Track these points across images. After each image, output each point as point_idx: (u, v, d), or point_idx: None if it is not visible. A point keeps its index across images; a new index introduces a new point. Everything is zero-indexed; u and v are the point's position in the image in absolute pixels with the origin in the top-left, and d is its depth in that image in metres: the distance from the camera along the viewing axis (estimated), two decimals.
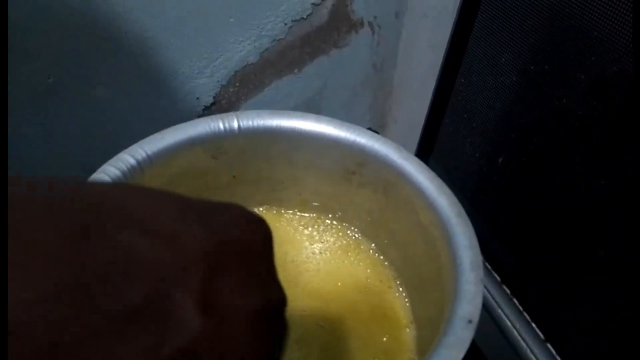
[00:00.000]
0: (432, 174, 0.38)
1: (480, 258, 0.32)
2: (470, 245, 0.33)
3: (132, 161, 0.36)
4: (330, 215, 0.47)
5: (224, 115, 0.41)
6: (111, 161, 0.36)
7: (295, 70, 0.65)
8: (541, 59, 0.37)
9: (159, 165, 0.38)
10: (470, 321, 0.29)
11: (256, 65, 0.61)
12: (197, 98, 0.58)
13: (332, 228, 0.47)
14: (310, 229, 0.47)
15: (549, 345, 0.41)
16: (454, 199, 0.36)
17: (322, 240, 0.46)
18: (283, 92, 0.65)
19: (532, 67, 0.38)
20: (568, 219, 0.39)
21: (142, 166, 0.37)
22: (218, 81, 0.59)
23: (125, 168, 0.36)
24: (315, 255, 0.45)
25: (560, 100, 0.37)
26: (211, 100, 0.60)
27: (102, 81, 0.51)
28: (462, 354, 0.27)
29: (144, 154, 0.37)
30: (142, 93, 0.53)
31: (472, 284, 0.31)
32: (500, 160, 0.43)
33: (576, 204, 0.38)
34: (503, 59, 0.40)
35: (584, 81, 0.34)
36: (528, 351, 0.41)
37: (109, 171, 0.35)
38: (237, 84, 0.61)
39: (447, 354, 0.27)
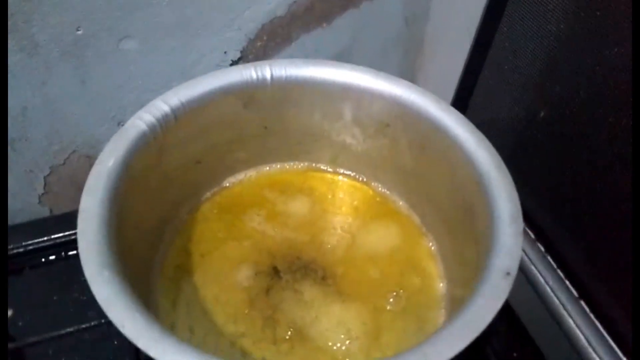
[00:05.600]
0: (472, 126, 0.37)
1: (520, 211, 0.31)
2: (510, 197, 0.32)
3: (166, 108, 0.36)
4: (361, 171, 0.47)
5: (256, 63, 0.40)
6: (146, 107, 0.35)
7: (324, 24, 0.63)
8: (593, 4, 0.35)
9: (191, 113, 0.37)
10: (508, 273, 0.28)
11: (284, 18, 0.59)
12: (225, 52, 0.57)
13: (362, 184, 0.47)
14: (340, 184, 0.47)
15: (582, 303, 0.41)
16: (494, 152, 0.35)
17: (352, 197, 0.46)
18: (311, 47, 0.63)
19: (582, 14, 0.36)
20: (610, 176, 0.38)
21: (175, 113, 0.36)
22: (245, 35, 0.57)
23: (159, 114, 0.36)
24: (345, 211, 0.45)
25: (611, 50, 0.35)
26: (238, 54, 0.59)
27: (130, 34, 0.50)
28: (499, 305, 0.27)
29: (177, 101, 0.37)
30: (170, 47, 0.53)
31: (511, 236, 0.30)
32: (541, 114, 0.42)
33: (620, 160, 0.36)
34: (551, 5, 0.38)
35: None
36: (561, 308, 0.41)
37: (144, 117, 0.35)
38: (265, 38, 0.59)
39: (483, 303, 0.27)
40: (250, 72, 0.40)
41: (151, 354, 0.23)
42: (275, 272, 0.39)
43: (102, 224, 0.29)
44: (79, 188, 0.30)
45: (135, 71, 0.53)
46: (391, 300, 0.39)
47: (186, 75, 0.56)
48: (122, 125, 0.34)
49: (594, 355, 0.38)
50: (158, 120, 0.35)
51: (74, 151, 0.56)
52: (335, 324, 0.37)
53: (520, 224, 0.31)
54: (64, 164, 0.56)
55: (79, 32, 0.47)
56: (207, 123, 0.39)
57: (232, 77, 0.39)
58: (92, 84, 0.51)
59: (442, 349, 0.24)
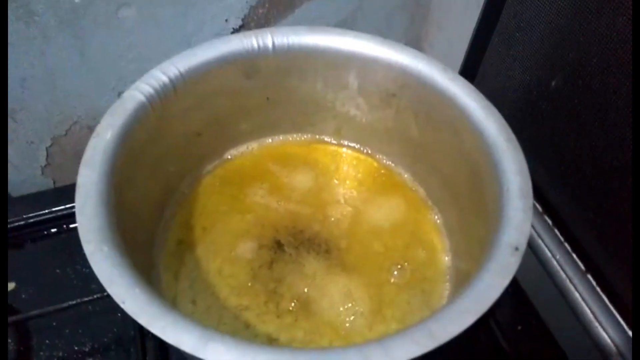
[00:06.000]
0: (480, 95, 0.35)
1: (530, 185, 0.30)
2: (520, 170, 0.31)
3: (165, 78, 0.35)
4: (365, 143, 0.46)
5: (257, 31, 0.39)
6: (143, 78, 0.34)
7: None
8: None
9: (191, 83, 0.36)
10: (517, 248, 0.27)
11: None
12: (226, 20, 0.56)
13: (366, 156, 0.46)
14: (344, 156, 0.46)
15: (589, 277, 0.40)
16: (503, 123, 0.34)
17: (356, 170, 0.45)
18: (314, 14, 0.62)
19: None
20: (623, 149, 0.36)
21: (174, 84, 0.35)
22: (247, 2, 0.55)
23: (157, 85, 0.34)
24: (349, 184, 0.44)
25: (627, 15, 0.33)
26: (240, 22, 0.57)
27: (127, 1, 0.49)
28: (507, 281, 0.26)
29: (176, 71, 0.35)
30: (169, 15, 0.51)
31: (520, 210, 0.29)
32: (553, 83, 0.40)
33: (635, 131, 0.35)
34: None
35: None
36: (567, 282, 0.40)
37: (141, 88, 0.34)
38: (267, 5, 0.58)
39: (491, 280, 0.26)
40: (251, 41, 0.38)
41: (153, 330, 0.23)
42: (279, 245, 0.39)
43: (101, 198, 0.28)
44: (81, 159, 0.30)
45: (134, 41, 0.52)
46: (395, 273, 0.38)
47: (187, 44, 0.54)
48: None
49: (600, 329, 0.38)
50: (156, 91, 0.34)
51: (75, 122, 0.55)
52: (339, 297, 0.36)
53: (530, 198, 0.30)
54: (65, 135, 0.56)
55: (76, 0, 0.46)
56: (207, 94, 0.38)
57: (232, 46, 0.38)
58: (91, 53, 0.50)
59: (448, 325, 0.24)
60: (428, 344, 0.23)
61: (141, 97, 0.33)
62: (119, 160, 0.31)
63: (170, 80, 0.35)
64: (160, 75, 0.35)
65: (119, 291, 0.24)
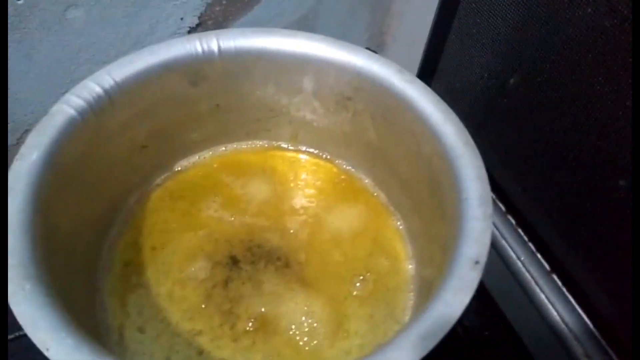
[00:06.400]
0: (436, 98, 0.34)
1: (489, 192, 0.29)
2: (479, 176, 0.30)
3: (98, 89, 0.32)
4: (324, 148, 0.44)
5: (201, 34, 0.36)
6: (74, 90, 0.31)
7: None
8: None
9: (129, 94, 0.34)
10: (477, 262, 0.26)
11: None
12: (181, 19, 0.53)
13: (325, 162, 0.44)
14: (302, 162, 0.44)
15: (554, 277, 0.40)
16: (461, 127, 0.32)
17: (315, 176, 0.43)
18: (274, 10, 0.59)
19: None
20: (582, 146, 0.36)
21: (109, 95, 0.33)
22: None
23: (90, 98, 0.32)
24: (308, 192, 0.42)
25: (584, 10, 0.32)
26: (196, 20, 0.55)
27: (75, 2, 0.46)
28: (468, 298, 0.25)
29: (111, 81, 0.33)
30: (120, 14, 0.49)
31: (479, 220, 0.28)
32: (511, 80, 0.39)
33: (593, 129, 0.34)
34: None
35: None
36: (532, 283, 0.40)
37: (72, 102, 0.31)
38: (224, 2, 0.55)
39: (452, 298, 0.25)
40: (195, 45, 0.36)
41: None
42: (234, 262, 0.37)
43: (25, 229, 0.25)
44: None
45: (85, 43, 0.49)
46: (358, 284, 0.37)
47: (141, 45, 0.52)
48: None
49: (567, 330, 0.38)
50: (89, 104, 0.31)
51: (26, 130, 0.52)
52: (299, 315, 0.34)
53: (490, 206, 0.28)
54: (16, 144, 0.53)
55: (20, 2, 0.43)
56: (149, 103, 0.36)
57: (174, 52, 0.35)
58: (39, 57, 0.47)
59: (408, 352, 0.22)
60: None
61: (71, 112, 0.30)
62: (47, 183, 0.28)
63: (105, 91, 0.32)
64: (93, 86, 0.32)
65: (42, 336, 0.22)
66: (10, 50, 0.45)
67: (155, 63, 0.34)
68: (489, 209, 0.28)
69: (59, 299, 0.24)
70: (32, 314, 0.22)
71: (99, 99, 0.32)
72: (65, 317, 0.23)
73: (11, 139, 0.52)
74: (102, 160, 0.34)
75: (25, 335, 0.35)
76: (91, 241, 0.35)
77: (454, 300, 0.24)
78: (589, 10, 0.32)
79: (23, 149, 0.28)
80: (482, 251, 0.26)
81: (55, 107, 0.30)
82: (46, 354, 0.21)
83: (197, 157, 0.42)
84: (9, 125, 0.51)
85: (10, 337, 0.33)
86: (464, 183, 0.30)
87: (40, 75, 0.48)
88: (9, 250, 0.24)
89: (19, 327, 0.35)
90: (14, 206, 0.26)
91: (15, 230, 0.25)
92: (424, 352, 0.23)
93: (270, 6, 0.58)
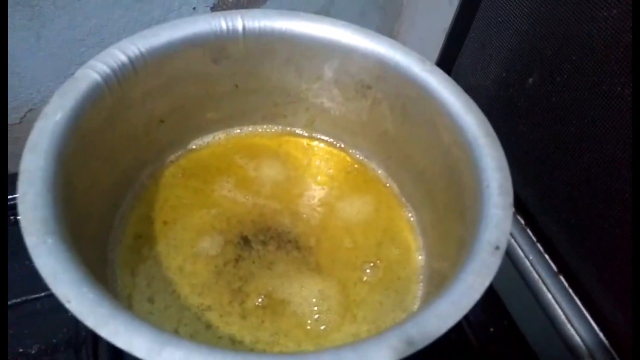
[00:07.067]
0: (458, 88, 0.34)
1: (510, 181, 0.29)
2: (500, 167, 0.30)
3: (123, 57, 0.32)
4: (339, 137, 0.44)
5: (226, 12, 0.36)
6: (99, 56, 0.31)
7: None
8: None
9: (153, 65, 0.34)
10: (497, 247, 0.26)
11: None
12: (194, 8, 0.54)
13: (339, 150, 0.44)
14: (316, 150, 0.44)
15: (561, 278, 0.40)
16: (483, 118, 0.32)
17: (328, 164, 0.43)
18: (287, 6, 0.60)
19: None
20: (598, 148, 0.36)
21: (134, 64, 0.32)
22: None
23: (115, 65, 0.32)
24: (321, 179, 0.42)
25: (607, 11, 0.33)
26: (208, 10, 0.55)
27: None
28: (487, 282, 0.25)
29: (136, 51, 0.33)
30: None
31: (500, 208, 0.28)
32: (530, 80, 0.39)
33: (610, 133, 0.35)
34: None
35: None
36: (540, 283, 0.40)
37: (97, 67, 0.31)
38: None
39: (472, 280, 0.25)
40: (220, 22, 0.36)
41: (101, 333, 0.20)
42: (245, 241, 0.37)
43: (47, 186, 0.25)
44: (26, 144, 0.27)
45: (96, 25, 0.49)
46: (368, 271, 0.37)
47: None
48: None
49: (572, 330, 0.38)
50: (114, 70, 0.31)
51: (30, 109, 0.52)
52: (308, 296, 0.34)
53: (511, 195, 0.28)
54: (20, 123, 0.53)
55: None
56: (171, 77, 0.36)
57: (199, 27, 0.35)
58: (49, 37, 0.48)
59: (427, 329, 0.22)
60: (406, 350, 0.21)
61: (96, 77, 0.30)
62: (69, 145, 0.28)
63: (130, 60, 0.32)
64: (119, 54, 0.32)
65: (64, 289, 0.21)
66: (20, 27, 0.45)
67: (180, 37, 0.34)
68: (510, 198, 0.28)
69: (78, 256, 0.24)
70: (54, 267, 0.22)
71: (123, 67, 0.32)
72: (86, 273, 0.22)
73: (14, 118, 0.52)
74: (121, 130, 0.34)
75: (50, 295, 0.35)
76: (104, 211, 0.35)
77: (474, 282, 0.24)
78: (614, 11, 0.32)
79: (47, 109, 0.28)
80: (502, 237, 0.26)
81: (80, 72, 0.30)
82: (67, 306, 0.21)
83: (211, 137, 0.42)
84: (12, 104, 0.50)
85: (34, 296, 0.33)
86: (485, 173, 0.30)
87: (48, 55, 0.48)
88: (29, 204, 0.24)
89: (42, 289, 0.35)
90: (36, 163, 0.26)
91: (37, 186, 0.25)
92: (442, 332, 0.23)
93: (282, 2, 0.59)
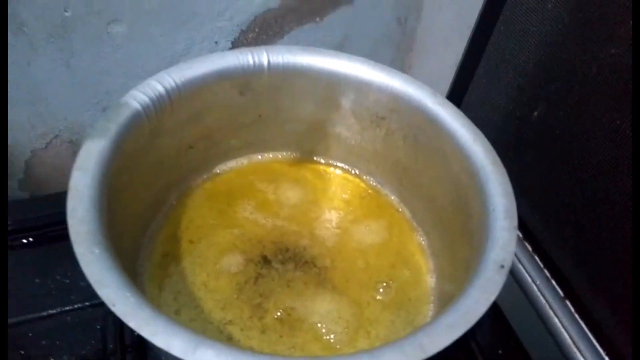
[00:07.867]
0: (467, 120, 0.37)
1: (515, 206, 0.32)
2: (505, 193, 0.32)
3: (161, 88, 0.35)
4: (354, 164, 0.47)
5: (252, 48, 0.39)
6: (139, 87, 0.35)
7: (317, 19, 0.63)
8: (590, 7, 0.35)
9: (186, 96, 0.37)
10: (502, 266, 0.28)
11: (277, 10, 0.58)
12: (216, 42, 0.56)
13: (354, 177, 0.47)
14: (332, 176, 0.47)
15: (567, 303, 0.41)
16: (489, 147, 0.35)
17: (344, 190, 0.46)
18: (303, 42, 0.63)
19: (579, 15, 0.37)
20: (601, 178, 0.38)
21: (170, 95, 0.36)
22: (237, 25, 0.56)
23: (153, 95, 0.35)
24: (336, 204, 0.45)
25: (608, 50, 0.35)
26: (229, 45, 0.58)
27: (118, 17, 0.49)
28: (493, 297, 0.27)
29: (172, 83, 0.36)
30: (159, 33, 0.52)
31: (506, 230, 0.30)
32: (535, 113, 0.42)
33: (612, 165, 0.37)
34: (549, 5, 0.38)
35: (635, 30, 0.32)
36: (547, 307, 0.41)
37: (137, 97, 0.34)
38: (257, 30, 0.59)
39: (478, 295, 0.27)
40: (247, 57, 0.39)
41: (143, 333, 0.23)
42: (265, 260, 0.39)
43: (93, 202, 0.28)
44: (60, 173, 0.29)
45: (122, 57, 0.52)
46: (381, 290, 0.38)
47: (175, 64, 0.55)
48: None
49: (578, 354, 0.39)
50: (152, 100, 0.34)
51: (56, 136, 0.54)
52: (323, 313, 0.36)
53: (515, 218, 0.31)
54: (45, 147, 0.55)
55: (67, 14, 0.46)
56: (202, 108, 0.39)
57: (228, 61, 0.38)
58: (77, 67, 0.50)
59: (437, 338, 0.24)
60: (417, 356, 0.23)
61: (137, 106, 0.33)
62: (112, 166, 0.31)
63: (167, 91, 0.35)
64: (157, 85, 0.35)
65: (110, 294, 0.24)
66: (52, 58, 0.48)
67: (211, 70, 0.38)
68: (515, 221, 0.31)
69: (119, 265, 0.26)
70: (100, 274, 0.24)
71: (160, 98, 0.35)
72: (128, 280, 0.25)
73: (41, 143, 0.54)
74: (154, 155, 0.37)
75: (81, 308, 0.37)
76: (137, 229, 0.37)
77: (479, 297, 0.26)
78: (613, 50, 0.35)
79: (93, 133, 0.31)
80: (507, 257, 0.28)
81: (123, 100, 0.34)
82: (112, 309, 0.23)
83: (234, 163, 0.45)
84: (40, 130, 0.53)
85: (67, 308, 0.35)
86: (492, 198, 0.32)
87: (76, 84, 0.51)
88: (77, 219, 0.27)
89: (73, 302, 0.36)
90: (84, 181, 0.29)
91: (85, 202, 0.28)
92: (451, 340, 0.25)
93: (299, 38, 0.62)
